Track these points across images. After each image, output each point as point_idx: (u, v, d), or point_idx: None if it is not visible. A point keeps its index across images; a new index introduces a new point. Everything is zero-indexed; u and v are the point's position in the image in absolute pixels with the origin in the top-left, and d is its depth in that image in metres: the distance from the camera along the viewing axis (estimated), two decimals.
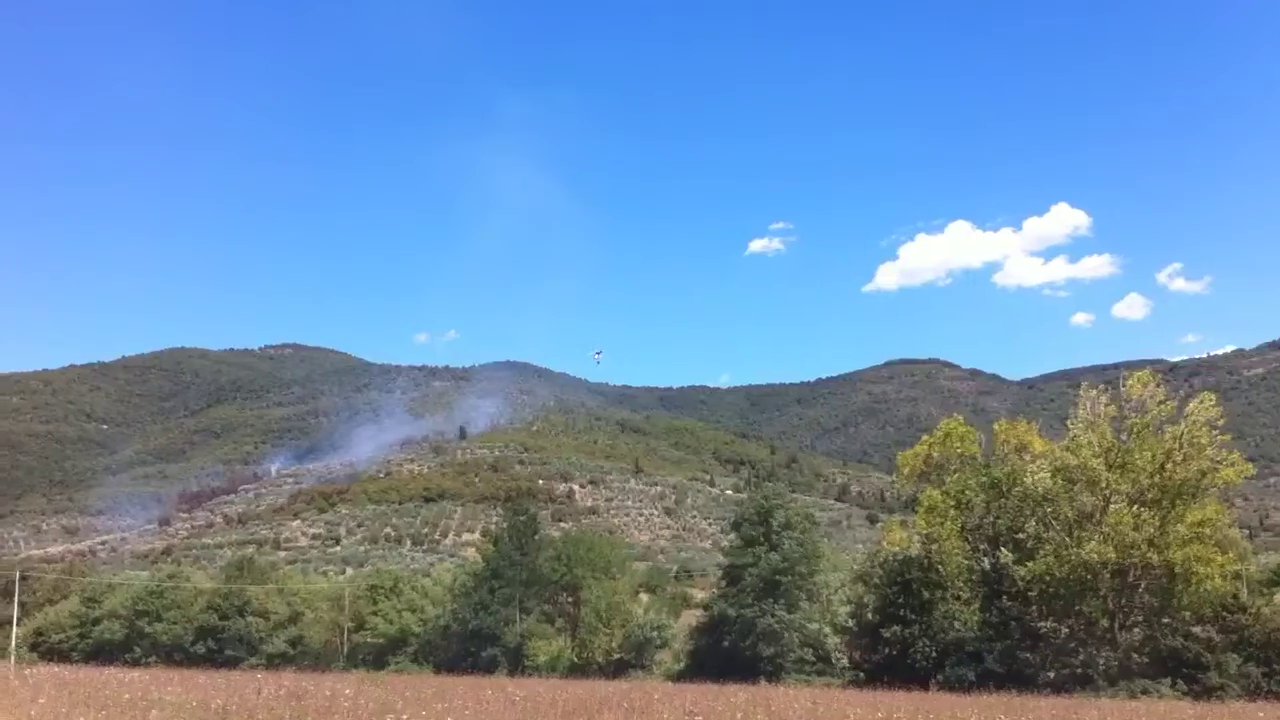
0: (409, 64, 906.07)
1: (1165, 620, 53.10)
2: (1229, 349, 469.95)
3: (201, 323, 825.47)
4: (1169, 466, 53.53)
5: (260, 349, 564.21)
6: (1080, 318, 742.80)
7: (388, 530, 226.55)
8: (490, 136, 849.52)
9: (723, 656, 65.88)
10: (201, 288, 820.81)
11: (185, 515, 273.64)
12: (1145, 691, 47.47)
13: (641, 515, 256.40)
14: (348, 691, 35.20)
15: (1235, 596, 51.28)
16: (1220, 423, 55.09)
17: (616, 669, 71.53)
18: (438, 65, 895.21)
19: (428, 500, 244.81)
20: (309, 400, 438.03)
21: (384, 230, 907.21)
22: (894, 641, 58.28)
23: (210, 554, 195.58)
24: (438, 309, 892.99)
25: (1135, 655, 51.34)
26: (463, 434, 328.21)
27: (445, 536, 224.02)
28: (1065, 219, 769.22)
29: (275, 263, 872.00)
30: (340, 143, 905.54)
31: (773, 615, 66.18)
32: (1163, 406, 55.64)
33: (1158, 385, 57.36)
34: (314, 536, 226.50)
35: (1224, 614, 50.44)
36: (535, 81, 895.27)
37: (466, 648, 76.87)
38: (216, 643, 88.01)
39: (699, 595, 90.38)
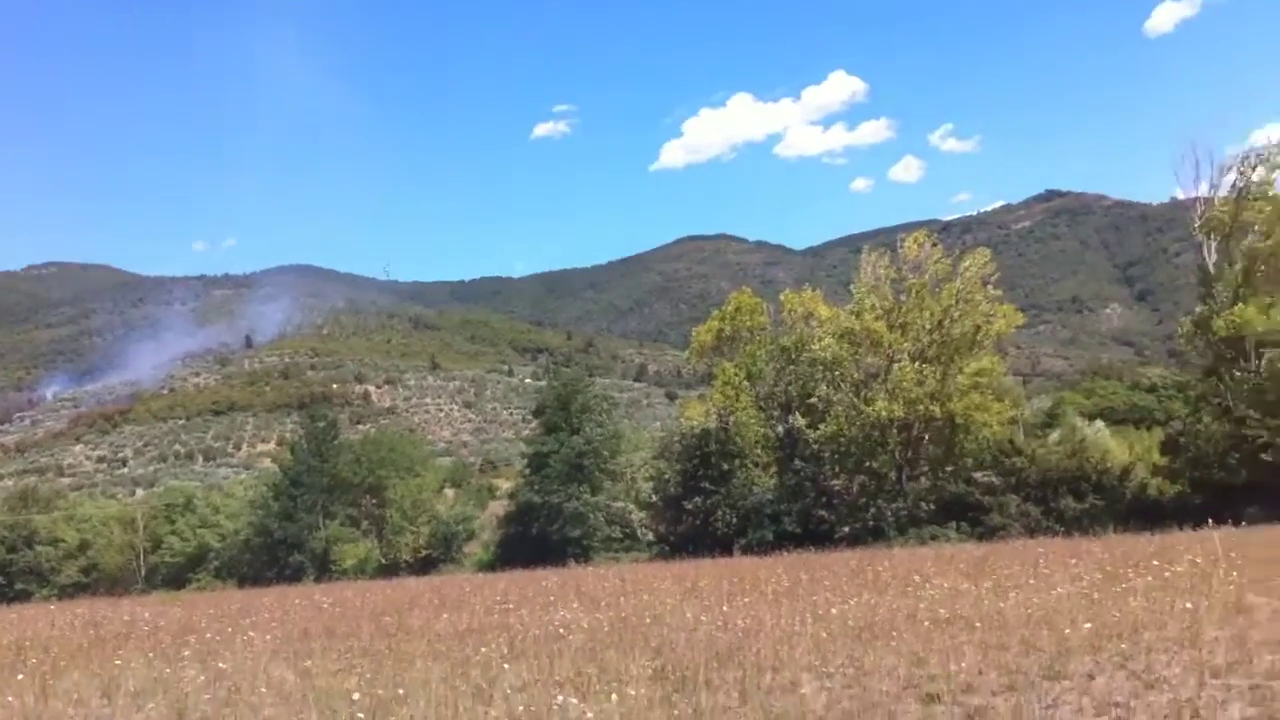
0: None
1: (949, 468, 55.76)
2: (998, 204, 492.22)
3: None
4: (946, 323, 55.78)
5: (23, 269, 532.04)
6: (859, 183, 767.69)
7: (177, 447, 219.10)
8: (257, 23, 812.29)
9: (531, 543, 66.27)
10: None
11: None
12: (934, 537, 49.89)
13: (441, 411, 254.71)
14: (146, 615, 34.02)
15: (1011, 441, 54.07)
16: (993, 277, 57.56)
17: (425, 565, 71.33)
18: None
19: (217, 413, 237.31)
20: (80, 320, 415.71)
21: (148, 132, 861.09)
22: (696, 512, 59.65)
23: None
24: (214, 215, 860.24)
25: (923, 504, 53.82)
26: (249, 343, 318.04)
27: (239, 449, 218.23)
28: (842, 86, 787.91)
29: (30, 175, 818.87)
30: (98, 41, 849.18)
31: (578, 498, 66.82)
32: (939, 265, 57.72)
33: (933, 245, 59.43)
34: (99, 460, 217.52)
35: (1002, 458, 53.14)
36: None
37: (272, 557, 75.28)
38: (5, 577, 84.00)
39: (505, 485, 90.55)
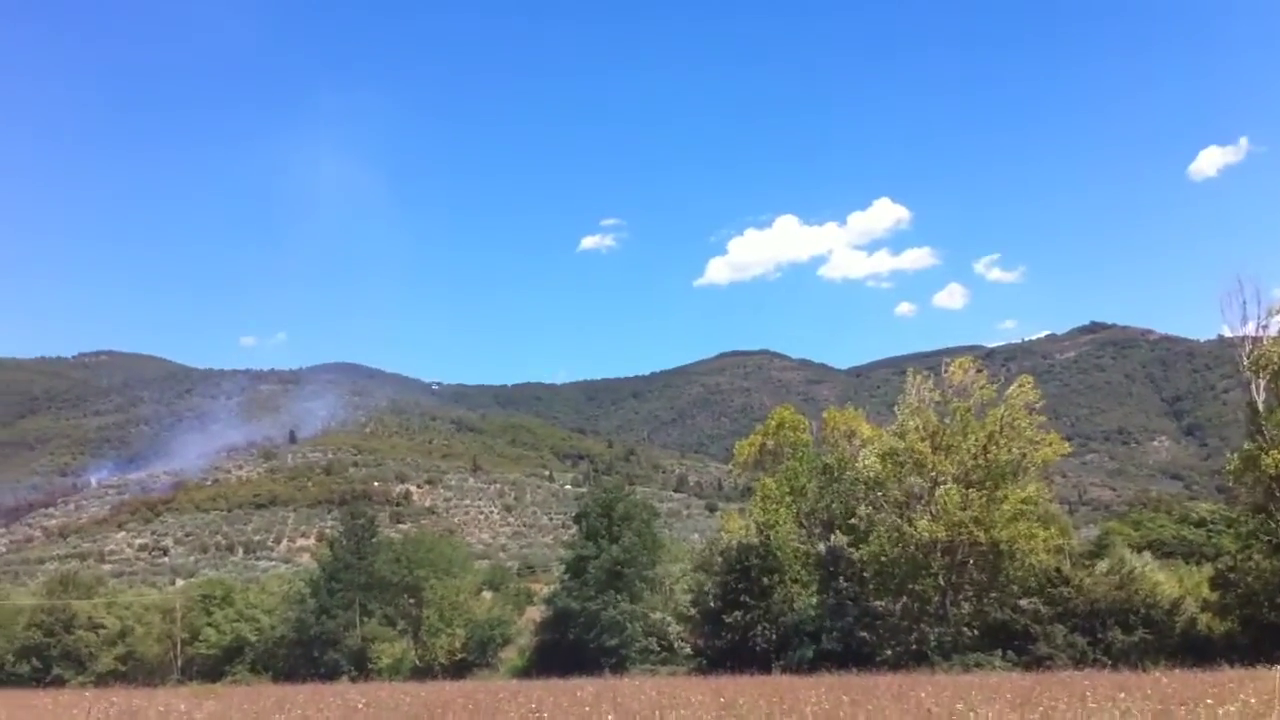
0: (223, 54, 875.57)
1: (994, 594, 55.09)
2: (1043, 334, 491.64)
3: (9, 329, 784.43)
4: (991, 448, 55.58)
5: (74, 357, 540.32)
6: (903, 307, 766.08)
7: (218, 539, 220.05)
8: (308, 129, 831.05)
9: (567, 650, 65.85)
10: (6, 293, 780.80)
11: (2, 530, 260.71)
12: (978, 664, 49.17)
13: (481, 513, 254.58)
14: (182, 707, 34.10)
15: (1059, 569, 53.37)
16: (1038, 404, 57.54)
17: (460, 669, 70.90)
18: (253, 56, 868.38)
19: (258, 507, 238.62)
20: (128, 408, 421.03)
21: (201, 231, 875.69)
22: (735, 627, 59.17)
23: (31, 569, 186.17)
24: (264, 311, 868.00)
25: (966, 629, 53.19)
26: (293, 438, 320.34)
27: (279, 543, 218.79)
28: (887, 213, 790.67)
29: (87, 267, 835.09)
30: (152, 137, 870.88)
31: (615, 606, 66.40)
32: (984, 390, 57.76)
33: (978, 370, 59.57)
34: (140, 547, 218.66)
35: (1049, 586, 52.47)
36: (353, 73, 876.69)
37: (307, 654, 75.11)
38: (42, 661, 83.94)
39: (542, 591, 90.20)
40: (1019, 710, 21.96)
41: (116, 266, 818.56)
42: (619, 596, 67.12)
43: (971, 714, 21.37)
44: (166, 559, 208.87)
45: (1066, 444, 61.37)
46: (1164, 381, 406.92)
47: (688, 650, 66.43)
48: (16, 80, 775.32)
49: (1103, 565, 56.58)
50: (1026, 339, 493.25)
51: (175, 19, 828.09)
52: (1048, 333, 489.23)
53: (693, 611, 65.73)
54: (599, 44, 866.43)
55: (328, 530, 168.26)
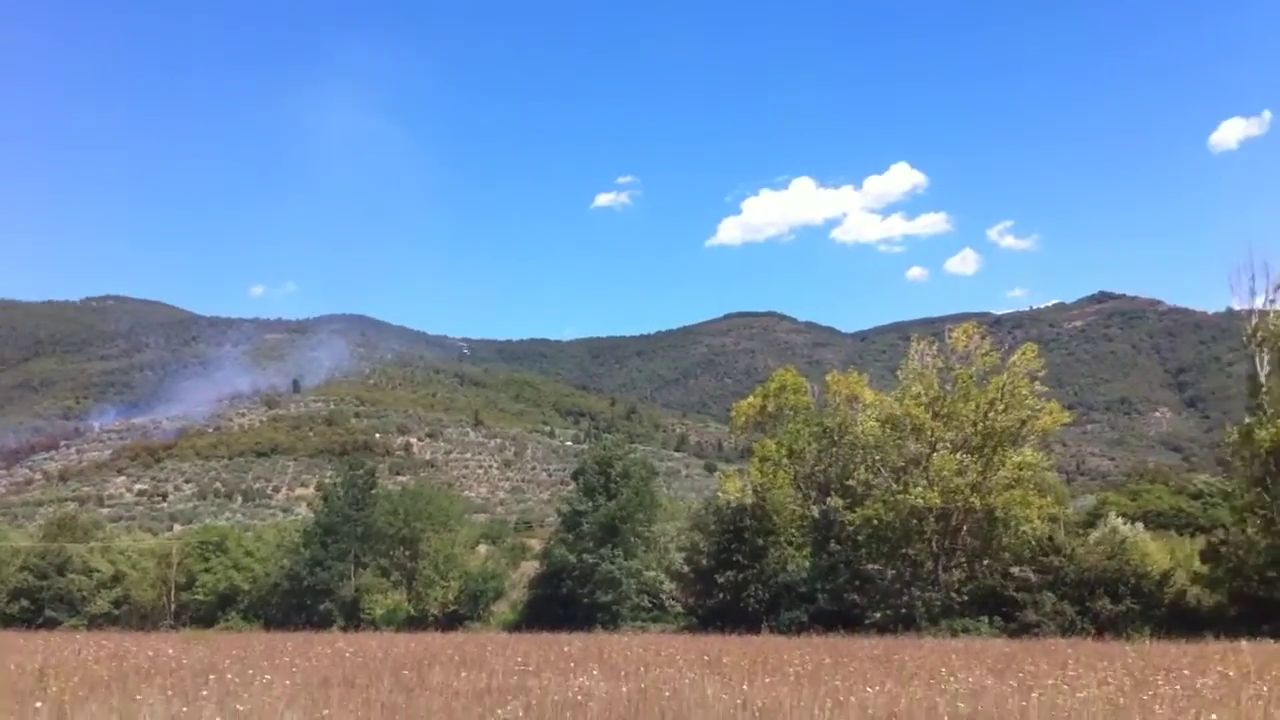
0: (239, 6, 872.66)
1: (986, 561, 55.15)
2: (1051, 303, 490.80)
3: (16, 272, 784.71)
4: (991, 415, 55.41)
5: (81, 300, 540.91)
6: (915, 272, 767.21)
7: (217, 486, 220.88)
8: (328, 82, 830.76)
9: (559, 605, 66.05)
10: (17, 234, 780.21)
11: (2, 471, 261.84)
12: (965, 630, 49.29)
13: (481, 468, 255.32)
14: (170, 651, 34.17)
15: (1051, 538, 53.34)
16: (1041, 373, 57.25)
17: (452, 621, 71.10)
18: (270, 7, 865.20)
19: (260, 455, 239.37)
20: (133, 354, 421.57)
21: (215, 179, 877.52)
22: (727, 586, 59.30)
23: (30, 512, 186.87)
24: (274, 261, 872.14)
25: (956, 595, 53.27)
26: (296, 387, 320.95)
27: (278, 492, 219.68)
28: (904, 178, 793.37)
29: (97, 210, 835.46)
30: (173, 84, 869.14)
31: (611, 561, 66.55)
32: (986, 358, 57.48)
33: (982, 337, 59.19)
34: (140, 493, 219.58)
35: (1041, 555, 52.46)
36: (373, 26, 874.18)
37: (300, 603, 75.31)
38: (34, 603, 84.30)
39: (538, 547, 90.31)
40: (999, 675, 21.94)
41: (128, 214, 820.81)
42: (614, 552, 67.24)
43: (951, 677, 21.33)
44: (165, 505, 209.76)
45: (1067, 413, 61.11)
46: (1170, 353, 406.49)
47: (679, 608, 66.66)
48: (33, 35, 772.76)
49: (1095, 534, 56.61)
50: (1035, 307, 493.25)
51: None
52: (1056, 301, 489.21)
53: (686, 570, 65.86)
54: (623, 2, 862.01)
55: (327, 480, 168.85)
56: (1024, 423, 56.00)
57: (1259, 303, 52.09)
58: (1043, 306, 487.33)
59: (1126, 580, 50.24)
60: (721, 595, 59.82)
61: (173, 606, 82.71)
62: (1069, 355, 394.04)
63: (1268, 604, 45.21)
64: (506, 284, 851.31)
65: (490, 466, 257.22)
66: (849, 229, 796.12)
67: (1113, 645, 34.26)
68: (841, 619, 52.32)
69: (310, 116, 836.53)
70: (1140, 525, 64.89)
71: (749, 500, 62.91)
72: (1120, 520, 62.34)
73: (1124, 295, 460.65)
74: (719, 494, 68.84)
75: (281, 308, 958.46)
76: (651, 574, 68.85)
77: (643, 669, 24.77)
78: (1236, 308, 53.79)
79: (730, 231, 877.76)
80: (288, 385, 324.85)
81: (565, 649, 33.73)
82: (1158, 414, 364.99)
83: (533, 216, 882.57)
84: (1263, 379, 51.19)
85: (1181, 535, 73.23)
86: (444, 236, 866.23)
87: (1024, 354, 57.56)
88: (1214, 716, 14.70)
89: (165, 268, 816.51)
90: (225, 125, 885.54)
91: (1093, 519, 68.29)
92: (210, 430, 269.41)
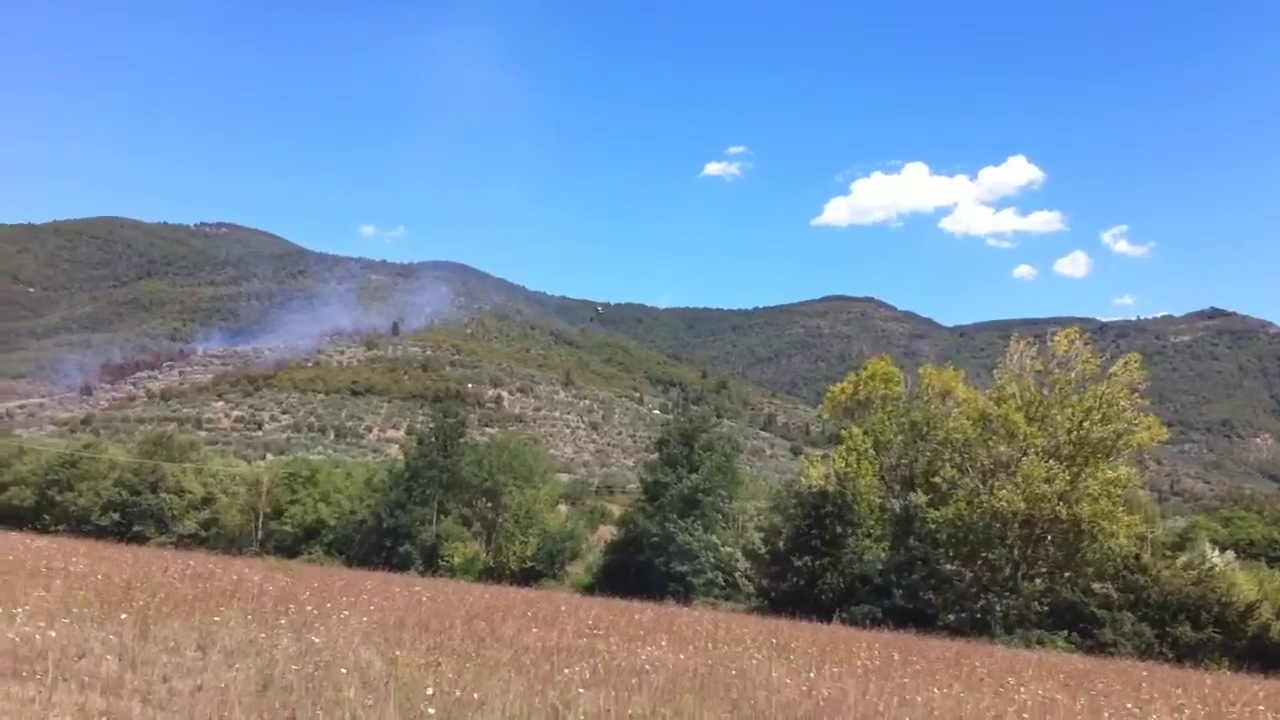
0: None
1: (1067, 574, 54.27)
2: (1160, 315, 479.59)
3: (138, 194, 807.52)
4: (1086, 424, 54.40)
5: (196, 225, 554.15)
6: (1022, 270, 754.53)
7: (311, 420, 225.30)
8: (451, 28, 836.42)
9: (634, 572, 66.42)
10: (141, 157, 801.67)
11: (107, 386, 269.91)
12: (1040, 641, 48.65)
13: (568, 428, 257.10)
14: (255, 578, 35.12)
15: (1137, 557, 52.40)
16: (1142, 385, 55.96)
17: (527, 577, 71.98)
18: None
19: (355, 393, 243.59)
20: (241, 282, 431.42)
21: (336, 119, 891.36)
22: (803, 571, 59.13)
23: (131, 427, 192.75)
24: (387, 204, 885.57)
25: (1035, 605, 52.53)
26: (396, 330, 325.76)
27: (370, 431, 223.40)
28: (1020, 172, 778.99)
29: (219, 140, 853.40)
30: (300, 24, 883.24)
31: (690, 533, 66.77)
32: (1087, 365, 56.37)
33: (1085, 343, 58.02)
34: (236, 419, 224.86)
35: (1125, 573, 51.59)
36: None
37: (381, 543, 76.75)
38: (125, 517, 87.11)
39: (618, 512, 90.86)
40: (1069, 691, 21.70)
41: (249, 146, 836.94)
42: (693, 525, 67.42)
43: (1021, 688, 21.14)
44: (260, 433, 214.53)
45: (1165, 430, 59.66)
46: (1276, 378, 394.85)
47: (752, 589, 66.65)
48: None
49: (1183, 559, 55.39)
50: (1142, 317, 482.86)
51: None
52: (1165, 314, 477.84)
53: (762, 550, 65.77)
54: None
55: (418, 424, 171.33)
56: (1119, 435, 54.81)
57: None
58: (1151, 318, 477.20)
59: (1210, 608, 49.21)
60: (796, 580, 59.67)
61: (259, 534, 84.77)
62: (1173, 370, 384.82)
63: None
64: (609, 245, 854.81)
65: (578, 427, 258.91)
66: (959, 219, 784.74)
67: (1190, 673, 33.61)
68: (915, 617, 51.92)
69: (430, 62, 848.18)
70: (1231, 554, 63.35)
71: (831, 487, 62.58)
72: (1210, 546, 60.93)
73: (1235, 314, 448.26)
74: (802, 477, 68.55)
75: (389, 250, 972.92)
76: (728, 550, 68.93)
77: (711, 645, 24.93)
78: None
79: (837, 212, 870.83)
80: (388, 327, 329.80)
81: (636, 617, 34.02)
82: (1259, 440, 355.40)
83: (642, 180, 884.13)
84: None
85: (1272, 567, 71.34)
86: (551, 192, 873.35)
87: (1126, 364, 56.31)
88: None
89: (280, 201, 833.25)
90: (348, 67, 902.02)
91: (1182, 542, 66.72)
92: (309, 364, 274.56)
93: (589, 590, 65.15)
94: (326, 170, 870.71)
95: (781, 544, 62.67)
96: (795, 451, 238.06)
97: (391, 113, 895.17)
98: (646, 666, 18.15)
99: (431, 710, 11.56)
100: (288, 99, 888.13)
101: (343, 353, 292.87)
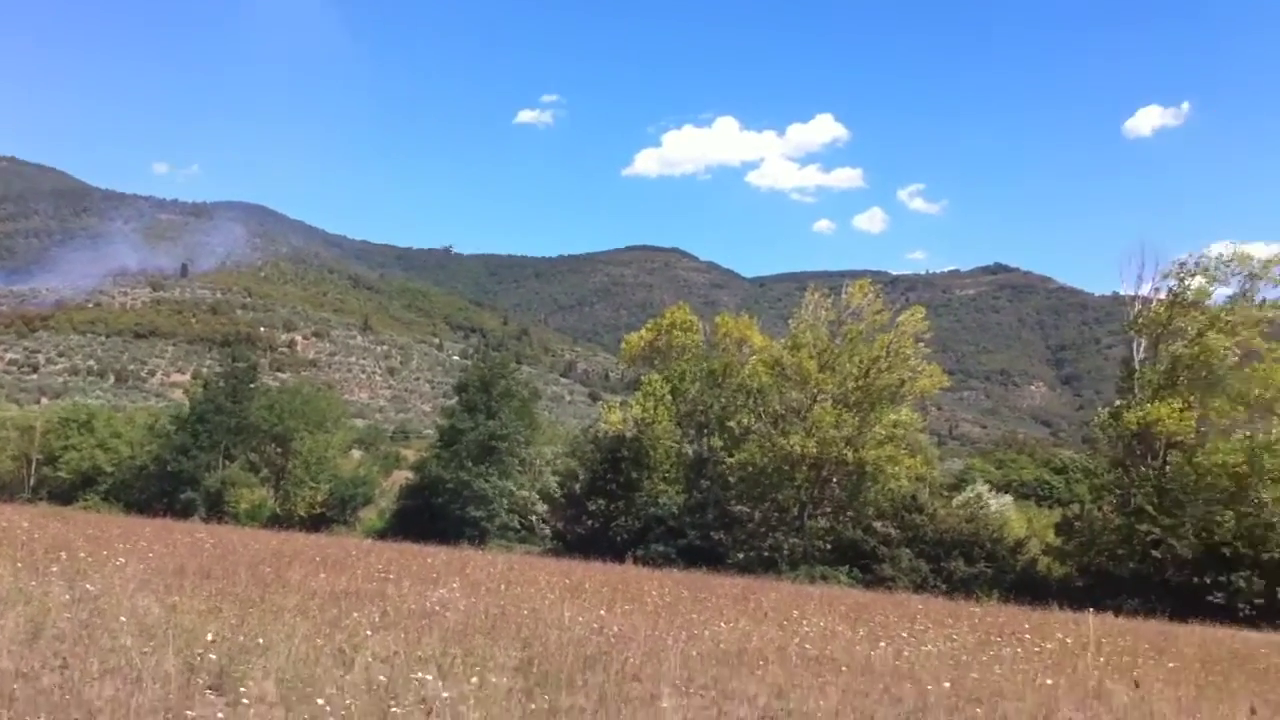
0: None
1: (850, 513, 56.18)
2: (948, 269, 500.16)
3: None
4: (873, 372, 56.27)
5: None
6: (822, 224, 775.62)
7: (91, 363, 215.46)
8: None
9: (428, 517, 65.86)
10: None
11: None
12: (824, 576, 50.22)
13: (364, 373, 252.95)
14: (25, 524, 33.27)
15: (915, 497, 54.55)
16: (926, 335, 58.17)
17: (317, 523, 70.50)
18: None
19: (138, 336, 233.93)
20: (19, 219, 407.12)
21: (128, 49, 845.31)
22: (597, 514, 59.69)
23: None
24: (181, 139, 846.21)
25: (819, 543, 54.22)
26: (185, 271, 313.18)
27: (153, 375, 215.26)
28: (827, 130, 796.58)
29: None
30: None
31: (486, 479, 66.48)
32: (878, 316, 58.30)
33: (876, 295, 59.94)
34: (10, 362, 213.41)
35: (904, 512, 53.63)
36: None
37: (163, 489, 73.96)
38: None
39: (413, 457, 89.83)
40: (850, 622, 22.39)
41: (32, 75, 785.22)
42: (489, 471, 67.16)
43: (804, 621, 21.68)
44: (35, 377, 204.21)
45: (946, 378, 62.18)
46: (1053, 330, 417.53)
47: (548, 532, 66.95)
48: None
49: (959, 498, 58.08)
50: (931, 271, 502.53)
51: None
52: (953, 268, 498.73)
53: (559, 495, 66.09)
54: None
55: (205, 369, 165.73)
56: (904, 382, 56.95)
57: (1145, 290, 53.38)
58: (939, 272, 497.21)
59: (982, 544, 51.62)
60: (591, 523, 60.18)
61: (31, 481, 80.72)
62: (957, 322, 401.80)
63: (1114, 579, 46.84)
64: (415, 189, 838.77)
65: (374, 373, 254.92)
66: (765, 174, 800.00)
67: (962, 605, 35.16)
68: (706, 556, 52.93)
69: None
70: (1009, 497, 66.77)
71: (629, 432, 63.24)
72: (984, 487, 64.01)
73: (1018, 269, 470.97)
74: (600, 423, 69.10)
75: (182, 190, 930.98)
76: (525, 495, 68.98)
77: (504, 587, 24.78)
78: (1122, 293, 55.02)
79: (647, 163, 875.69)
80: (177, 268, 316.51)
81: (429, 560, 33.61)
82: (1033, 388, 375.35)
83: (453, 125, 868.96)
84: (1137, 364, 52.64)
85: (1041, 506, 75.60)
86: (357, 133, 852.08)
87: (912, 315, 58.47)
88: (1050, 680, 15.13)
89: (65, 135, 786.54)
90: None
91: (959, 483, 70.00)
92: (90, 305, 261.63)
93: (382, 536, 64.24)
94: (117, 103, 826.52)
95: (578, 488, 63.06)
96: (594, 398, 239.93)
97: (190, 46, 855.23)
98: (438, 609, 17.89)
99: (213, 656, 11.08)
100: (74, 24, 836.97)
101: (126, 294, 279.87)
